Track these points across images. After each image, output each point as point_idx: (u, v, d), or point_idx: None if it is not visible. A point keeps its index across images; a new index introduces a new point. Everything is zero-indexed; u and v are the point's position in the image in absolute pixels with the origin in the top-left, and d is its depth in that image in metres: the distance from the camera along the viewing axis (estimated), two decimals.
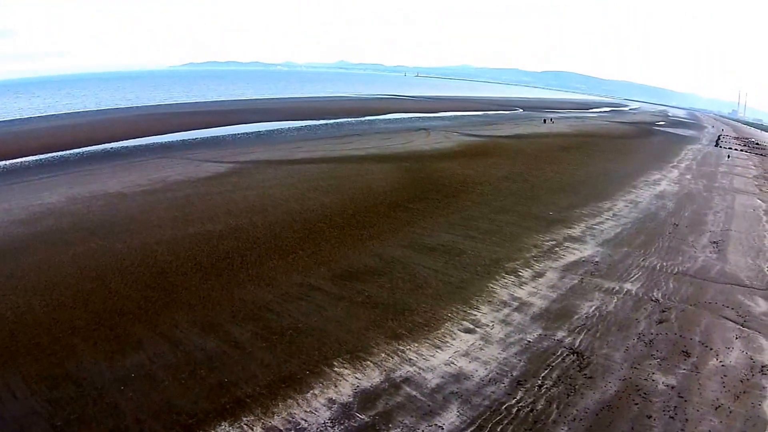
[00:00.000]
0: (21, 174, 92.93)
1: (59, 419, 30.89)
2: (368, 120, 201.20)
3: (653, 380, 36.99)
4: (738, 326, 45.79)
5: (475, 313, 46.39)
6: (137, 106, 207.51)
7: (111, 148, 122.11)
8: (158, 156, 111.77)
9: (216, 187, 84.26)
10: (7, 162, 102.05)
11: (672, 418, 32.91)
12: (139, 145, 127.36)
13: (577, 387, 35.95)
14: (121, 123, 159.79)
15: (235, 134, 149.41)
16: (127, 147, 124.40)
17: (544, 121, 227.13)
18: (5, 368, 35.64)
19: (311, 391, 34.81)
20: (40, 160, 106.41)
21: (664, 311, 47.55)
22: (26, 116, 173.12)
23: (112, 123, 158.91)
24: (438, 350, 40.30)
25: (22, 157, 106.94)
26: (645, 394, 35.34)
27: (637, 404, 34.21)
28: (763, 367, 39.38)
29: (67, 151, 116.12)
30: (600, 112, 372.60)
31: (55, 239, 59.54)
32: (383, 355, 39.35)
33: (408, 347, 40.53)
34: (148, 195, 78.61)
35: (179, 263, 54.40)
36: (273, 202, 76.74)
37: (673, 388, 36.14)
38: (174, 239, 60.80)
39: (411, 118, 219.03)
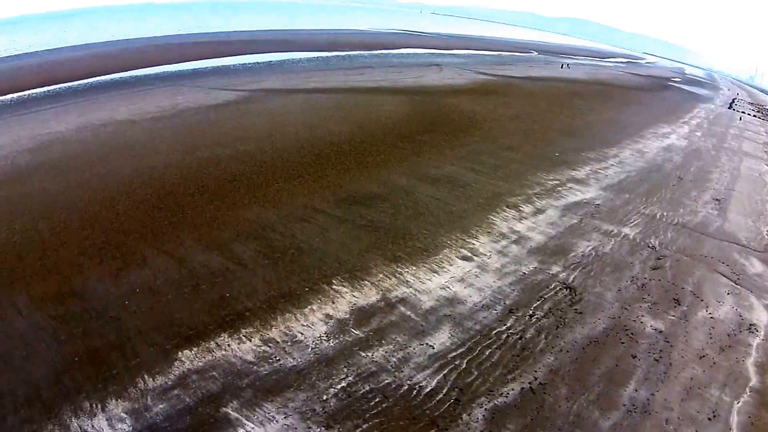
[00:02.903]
0: (29, 105, 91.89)
1: (63, 333, 31.92)
2: (381, 54, 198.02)
3: (642, 322, 38.00)
4: (731, 283, 46.45)
5: (474, 242, 47.40)
6: (146, 37, 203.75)
7: (120, 77, 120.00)
8: (168, 84, 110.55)
9: (225, 114, 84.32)
10: (15, 95, 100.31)
11: (656, 360, 33.89)
12: (149, 75, 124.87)
13: (566, 320, 37.06)
14: (130, 53, 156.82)
15: (245, 63, 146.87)
16: (136, 76, 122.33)
17: (562, 66, 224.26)
18: (12, 288, 36.52)
19: (309, 307, 36.01)
20: (48, 91, 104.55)
21: (659, 258, 48.33)
22: (33, 50, 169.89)
23: (120, 53, 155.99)
24: (435, 274, 41.42)
25: (30, 89, 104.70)
26: (632, 334, 36.37)
27: (623, 343, 35.26)
28: (751, 325, 40.12)
29: (75, 82, 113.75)
30: (616, 62, 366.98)
31: (63, 165, 59.88)
32: (381, 275, 40.52)
33: (406, 270, 41.69)
34: (157, 122, 78.68)
35: (186, 185, 55.03)
36: (282, 129, 77.14)
37: (660, 332, 37.11)
38: (182, 163, 61.27)
39: (424, 53, 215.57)
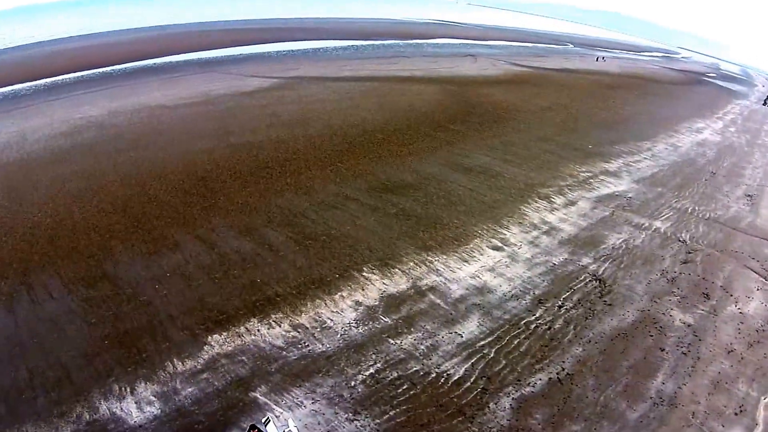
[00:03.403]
0: (63, 90, 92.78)
1: (94, 316, 32.92)
2: (415, 43, 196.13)
3: (671, 316, 37.93)
4: (761, 279, 45.87)
5: (505, 232, 47.50)
6: (181, 23, 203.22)
7: (154, 63, 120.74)
8: (202, 71, 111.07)
9: (259, 101, 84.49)
10: (49, 79, 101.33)
11: (684, 354, 33.93)
12: (183, 61, 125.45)
13: (595, 312, 37.18)
14: (164, 39, 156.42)
15: (280, 51, 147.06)
16: (170, 62, 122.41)
17: (597, 59, 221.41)
18: (43, 271, 37.58)
19: (339, 293, 36.44)
20: (82, 76, 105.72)
21: (690, 252, 47.95)
22: (67, 35, 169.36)
23: (155, 39, 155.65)
24: (465, 264, 41.61)
25: (64, 74, 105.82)
26: (661, 327, 36.37)
27: (652, 336, 35.28)
28: None
29: (110, 67, 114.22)
30: (651, 56, 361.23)
31: (96, 150, 60.74)
32: (412, 264, 40.78)
33: (436, 258, 41.87)
34: (190, 107, 79.10)
35: (219, 171, 55.47)
36: (315, 117, 77.18)
37: (689, 326, 37.06)
38: (215, 149, 61.70)
39: (459, 44, 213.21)
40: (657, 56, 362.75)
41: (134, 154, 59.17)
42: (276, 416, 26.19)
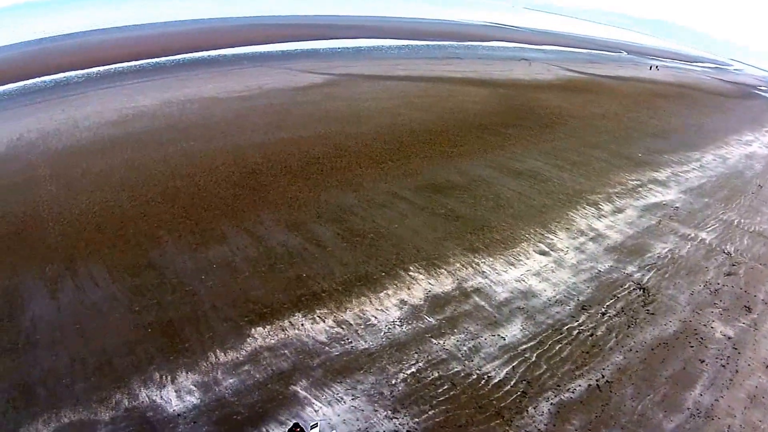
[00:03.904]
0: (115, 79, 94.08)
1: (138, 305, 33.90)
2: (470, 45, 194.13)
3: (712, 328, 37.94)
4: None
5: (552, 237, 47.76)
6: (237, 17, 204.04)
7: (208, 55, 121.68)
8: (256, 64, 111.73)
9: (311, 97, 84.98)
10: (101, 68, 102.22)
11: (723, 366, 33.99)
12: (237, 54, 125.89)
13: (638, 320, 37.32)
14: (219, 32, 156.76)
15: (334, 48, 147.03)
16: (224, 55, 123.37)
17: (650, 67, 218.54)
18: (89, 259, 38.60)
19: (385, 291, 37.02)
20: (136, 66, 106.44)
21: (734, 265, 47.66)
22: (121, 24, 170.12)
23: (210, 32, 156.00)
24: (511, 267, 42.02)
25: (117, 63, 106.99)
26: (702, 339, 36.38)
27: (692, 347, 35.33)
28: None
29: (163, 58, 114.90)
30: (703, 66, 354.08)
31: (146, 140, 61.76)
32: (458, 265, 41.19)
33: (482, 260, 42.26)
34: (243, 101, 79.77)
35: (269, 165, 56.24)
36: (366, 114, 77.58)
37: (729, 338, 37.06)
38: (266, 143, 62.41)
39: (513, 47, 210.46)
40: (709, 67, 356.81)
41: (185, 145, 60.21)
42: (318, 419, 26.81)
